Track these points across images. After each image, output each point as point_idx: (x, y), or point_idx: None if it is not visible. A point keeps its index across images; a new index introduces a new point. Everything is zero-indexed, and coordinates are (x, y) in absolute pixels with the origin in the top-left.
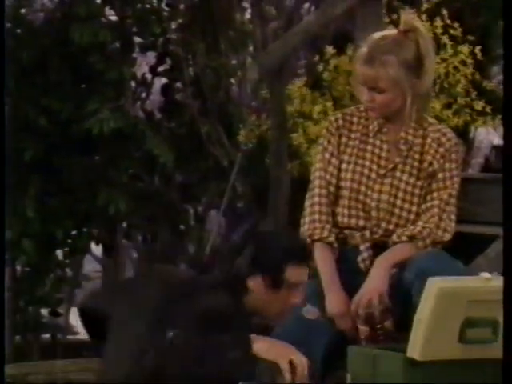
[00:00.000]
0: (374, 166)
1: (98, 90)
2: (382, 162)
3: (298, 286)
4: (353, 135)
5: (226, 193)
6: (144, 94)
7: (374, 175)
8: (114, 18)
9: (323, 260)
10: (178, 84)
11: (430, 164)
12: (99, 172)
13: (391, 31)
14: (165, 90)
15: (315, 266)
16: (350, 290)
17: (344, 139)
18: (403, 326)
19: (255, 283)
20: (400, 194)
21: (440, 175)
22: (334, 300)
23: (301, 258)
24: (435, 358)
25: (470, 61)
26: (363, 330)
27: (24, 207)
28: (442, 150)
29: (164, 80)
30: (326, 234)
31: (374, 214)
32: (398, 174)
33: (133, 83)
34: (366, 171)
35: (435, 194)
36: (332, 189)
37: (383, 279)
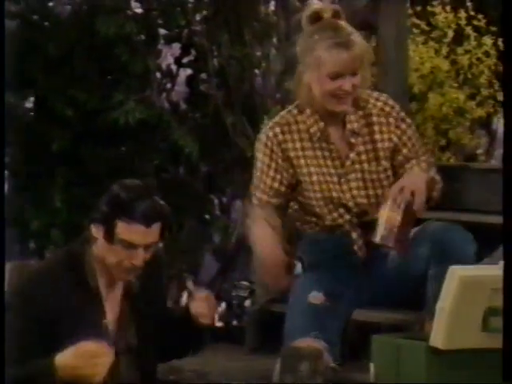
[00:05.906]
0: (332, 170)
1: (124, 81)
2: (337, 162)
3: (134, 247)
4: (298, 145)
5: (250, 183)
6: (169, 85)
7: (335, 178)
8: (139, 10)
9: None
10: (203, 75)
11: (389, 139)
12: (125, 162)
13: (325, 20)
14: (189, 81)
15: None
16: (352, 282)
17: (292, 153)
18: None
19: (96, 231)
20: (369, 184)
21: (405, 151)
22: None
23: (130, 215)
24: (458, 347)
25: (493, 52)
26: (394, 216)
27: (52, 197)
28: (391, 120)
29: (189, 71)
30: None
31: (354, 210)
32: (357, 166)
33: (158, 74)
34: (328, 178)
35: (416, 169)
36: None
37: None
